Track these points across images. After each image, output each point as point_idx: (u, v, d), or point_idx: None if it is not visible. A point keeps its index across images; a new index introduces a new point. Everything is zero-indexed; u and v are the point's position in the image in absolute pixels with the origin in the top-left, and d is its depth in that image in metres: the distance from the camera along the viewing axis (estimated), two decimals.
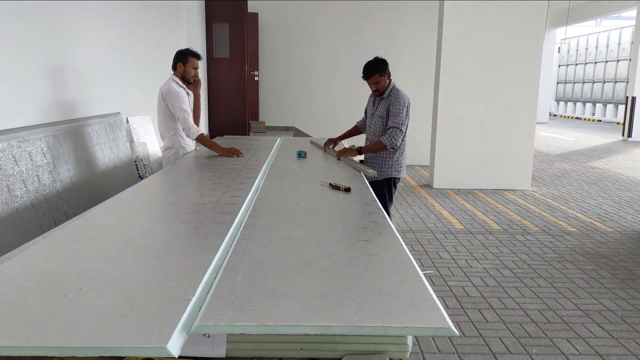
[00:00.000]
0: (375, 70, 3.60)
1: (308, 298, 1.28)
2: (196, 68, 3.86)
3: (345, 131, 4.23)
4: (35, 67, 3.45)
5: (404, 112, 3.59)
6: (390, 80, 3.69)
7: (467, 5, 6.60)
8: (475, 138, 6.85)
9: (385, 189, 3.71)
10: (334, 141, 4.12)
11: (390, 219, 3.86)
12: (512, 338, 2.84)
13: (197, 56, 3.87)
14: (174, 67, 3.84)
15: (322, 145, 4.13)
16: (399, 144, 3.60)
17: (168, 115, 3.75)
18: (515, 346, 2.75)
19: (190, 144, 3.99)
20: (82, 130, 3.98)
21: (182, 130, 3.76)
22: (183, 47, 3.91)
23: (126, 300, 1.25)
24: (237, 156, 3.68)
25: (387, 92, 3.65)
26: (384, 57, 3.68)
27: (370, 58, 3.73)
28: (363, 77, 3.67)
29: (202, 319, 1.16)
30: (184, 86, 3.83)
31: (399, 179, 3.78)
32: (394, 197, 3.92)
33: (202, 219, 2.04)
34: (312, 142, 4.58)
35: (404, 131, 3.62)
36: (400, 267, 1.52)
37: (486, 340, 2.81)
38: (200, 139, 3.77)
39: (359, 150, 3.68)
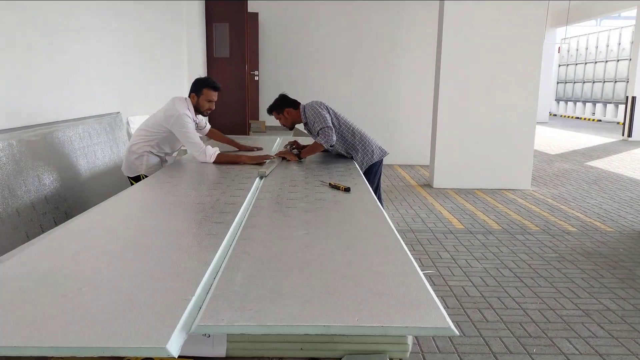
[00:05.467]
0: (272, 109, 3.76)
1: (308, 298, 1.28)
2: (211, 101, 3.48)
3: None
4: (35, 65, 3.45)
5: (322, 114, 3.63)
6: (299, 104, 3.75)
7: (467, 5, 6.60)
8: (475, 138, 6.85)
9: (369, 176, 3.81)
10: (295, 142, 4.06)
11: (382, 204, 3.91)
12: (512, 338, 2.84)
13: (215, 87, 3.47)
14: (189, 94, 3.52)
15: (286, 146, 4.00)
16: (334, 140, 3.64)
17: (162, 134, 3.45)
18: (515, 346, 2.75)
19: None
20: (82, 129, 3.98)
21: (193, 155, 3.44)
22: (202, 76, 3.46)
23: (126, 300, 1.24)
24: (267, 160, 3.47)
25: (303, 118, 3.74)
26: (285, 94, 3.79)
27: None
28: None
29: (202, 319, 1.16)
30: (194, 117, 3.50)
31: (377, 163, 3.88)
32: (381, 183, 4.04)
33: (201, 219, 2.05)
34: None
35: (333, 127, 3.65)
36: (400, 267, 1.52)
37: (486, 340, 2.81)
38: (219, 160, 3.38)
39: (299, 156, 3.67)
